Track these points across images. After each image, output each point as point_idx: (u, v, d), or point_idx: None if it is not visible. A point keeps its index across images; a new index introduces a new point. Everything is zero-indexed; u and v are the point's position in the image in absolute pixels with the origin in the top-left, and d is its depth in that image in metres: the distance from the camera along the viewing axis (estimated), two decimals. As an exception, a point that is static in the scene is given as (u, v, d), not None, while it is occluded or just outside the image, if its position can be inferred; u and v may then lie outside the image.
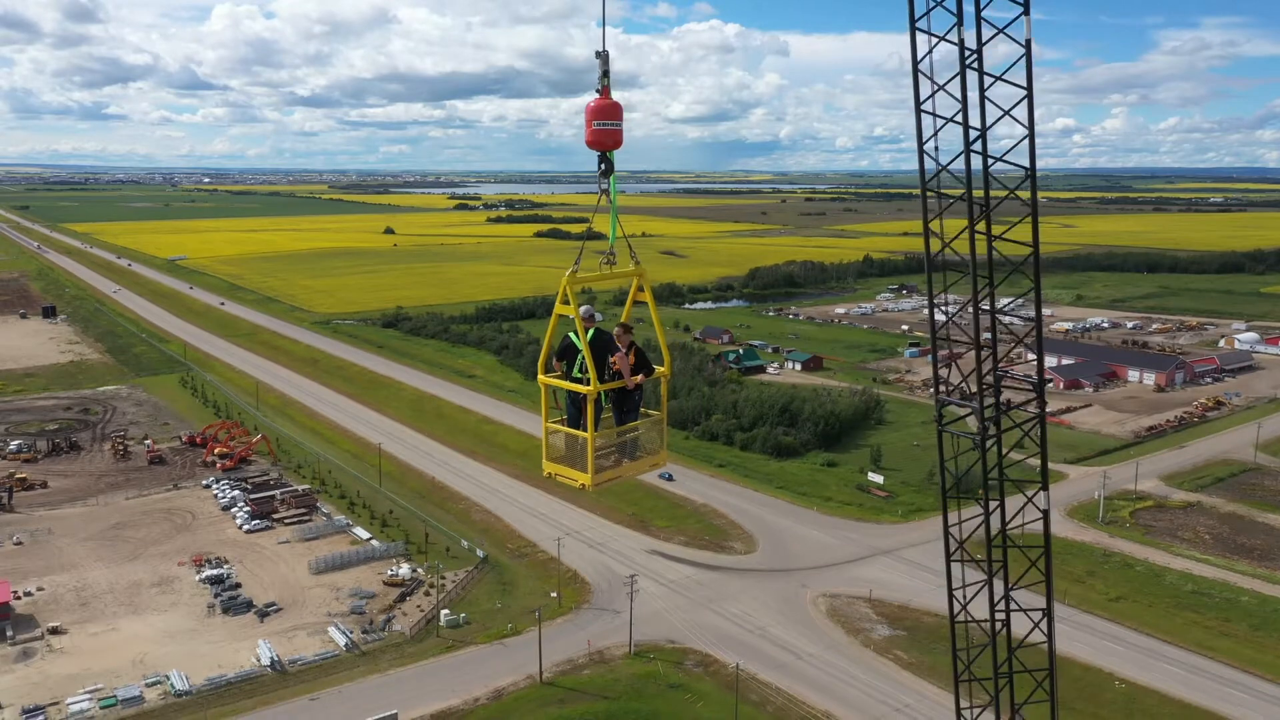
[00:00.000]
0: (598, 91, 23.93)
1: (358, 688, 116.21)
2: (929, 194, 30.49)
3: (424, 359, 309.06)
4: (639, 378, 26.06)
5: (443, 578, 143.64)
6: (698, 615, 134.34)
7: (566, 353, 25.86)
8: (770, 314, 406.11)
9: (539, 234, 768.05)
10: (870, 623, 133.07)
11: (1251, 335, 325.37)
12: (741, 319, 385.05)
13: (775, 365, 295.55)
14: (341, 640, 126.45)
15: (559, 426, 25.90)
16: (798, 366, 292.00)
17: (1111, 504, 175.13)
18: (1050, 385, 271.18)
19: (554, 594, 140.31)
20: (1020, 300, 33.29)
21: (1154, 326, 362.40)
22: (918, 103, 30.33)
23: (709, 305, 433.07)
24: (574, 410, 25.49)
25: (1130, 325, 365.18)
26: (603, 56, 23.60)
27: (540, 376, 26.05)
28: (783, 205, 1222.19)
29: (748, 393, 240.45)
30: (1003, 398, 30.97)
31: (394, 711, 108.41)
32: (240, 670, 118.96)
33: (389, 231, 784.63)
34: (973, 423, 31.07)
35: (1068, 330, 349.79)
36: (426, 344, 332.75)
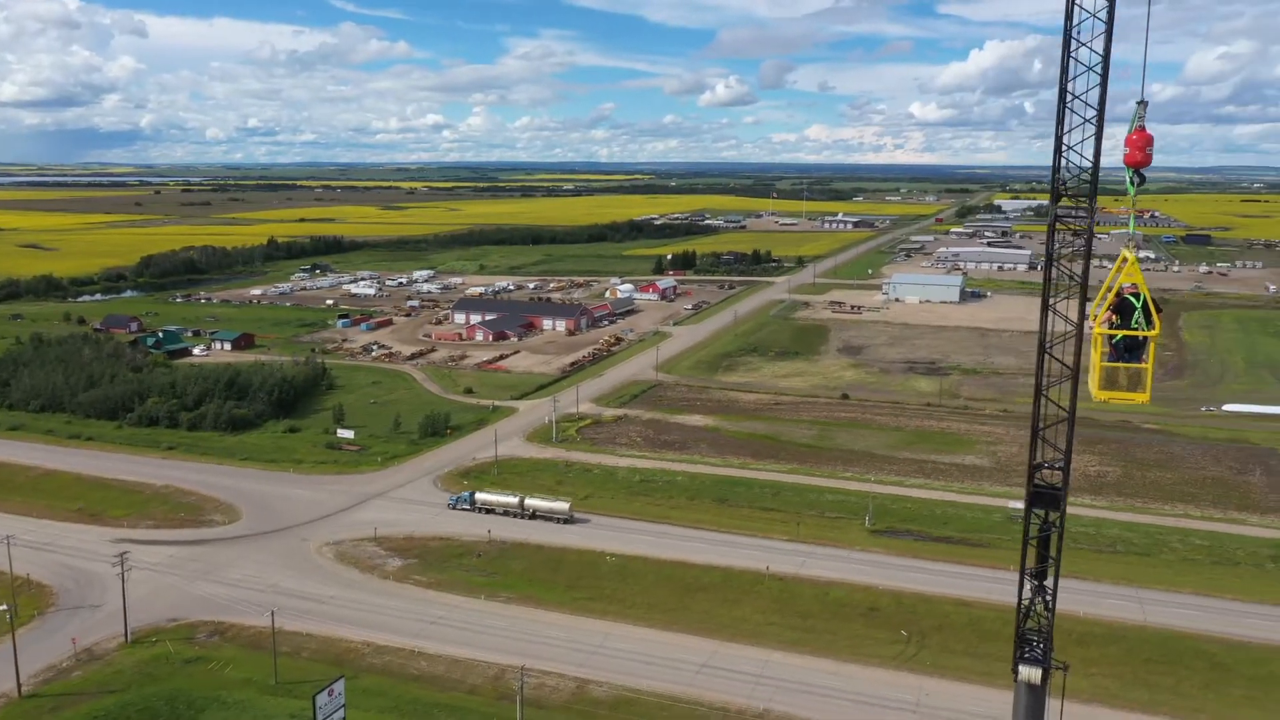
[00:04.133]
0: (1142, 127, 29.35)
1: None
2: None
3: None
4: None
5: None
6: (197, 588, 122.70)
7: (1123, 309, 30.60)
8: (178, 300, 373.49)
9: None
10: (381, 558, 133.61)
11: (629, 286, 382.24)
12: (147, 307, 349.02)
13: (202, 347, 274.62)
14: None
15: (1121, 364, 30.63)
16: (228, 346, 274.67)
17: (560, 426, 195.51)
18: (481, 339, 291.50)
19: (2, 606, 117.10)
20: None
21: (551, 285, 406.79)
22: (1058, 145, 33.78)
23: (101, 297, 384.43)
24: (1121, 352, 30.48)
25: (532, 286, 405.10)
26: (1142, 105, 29.15)
27: (1097, 329, 30.96)
28: (158, 196, 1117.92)
29: (184, 373, 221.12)
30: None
31: None
32: None
33: None
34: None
35: (482, 293, 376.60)
36: None
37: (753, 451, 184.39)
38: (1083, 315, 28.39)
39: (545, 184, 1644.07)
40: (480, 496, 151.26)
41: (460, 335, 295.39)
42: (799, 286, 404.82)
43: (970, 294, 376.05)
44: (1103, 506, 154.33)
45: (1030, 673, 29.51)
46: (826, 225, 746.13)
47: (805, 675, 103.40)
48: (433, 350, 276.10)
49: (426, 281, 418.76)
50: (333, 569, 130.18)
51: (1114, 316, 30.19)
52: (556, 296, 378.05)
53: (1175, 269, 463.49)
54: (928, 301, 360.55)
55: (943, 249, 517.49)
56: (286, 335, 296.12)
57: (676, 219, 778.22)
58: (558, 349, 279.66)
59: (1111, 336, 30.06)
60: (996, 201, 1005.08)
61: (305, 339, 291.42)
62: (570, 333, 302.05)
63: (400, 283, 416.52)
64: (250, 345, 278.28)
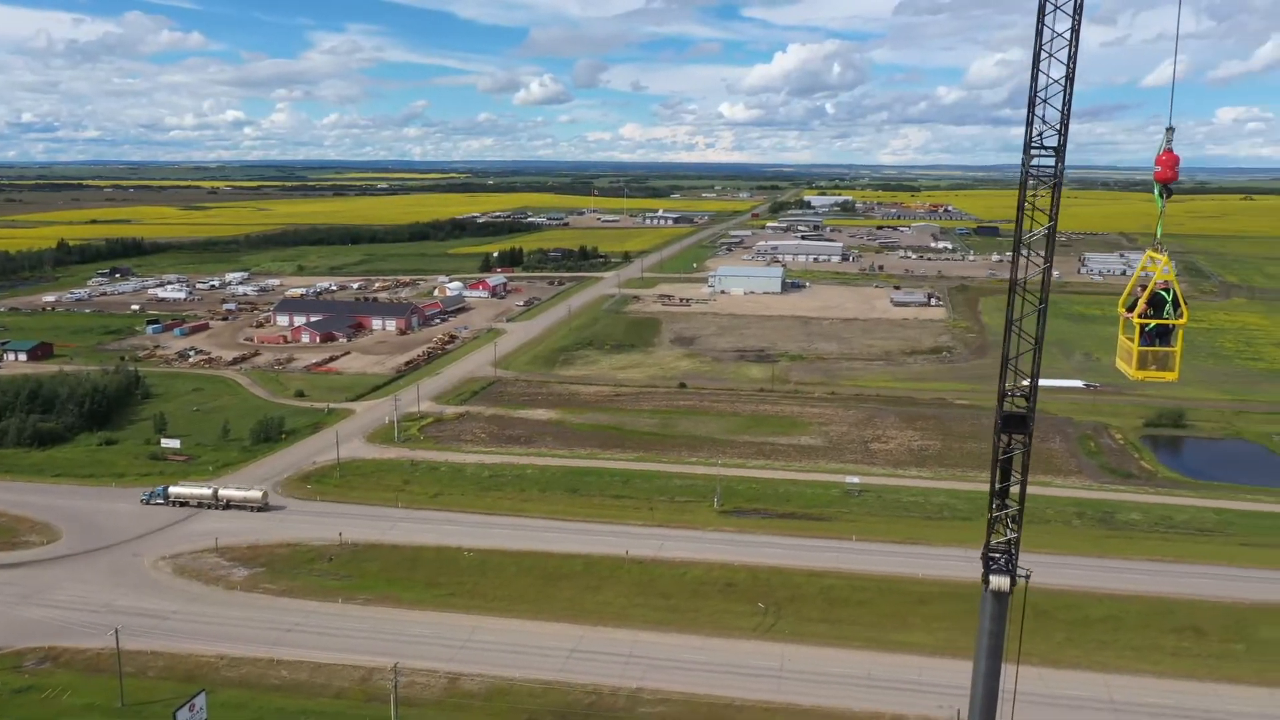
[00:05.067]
0: (1170, 149, 34.15)
1: None
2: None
3: None
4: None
5: None
6: (20, 613, 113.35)
7: (1155, 302, 35.42)
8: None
9: None
10: (225, 568, 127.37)
11: (458, 284, 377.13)
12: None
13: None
14: None
15: (1153, 348, 35.44)
16: (23, 356, 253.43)
17: (402, 425, 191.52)
18: (307, 341, 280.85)
19: None
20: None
21: (377, 285, 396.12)
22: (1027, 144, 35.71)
23: None
24: (1152, 338, 35.33)
25: (356, 286, 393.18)
26: (1170, 130, 34.00)
27: (1134, 318, 35.40)
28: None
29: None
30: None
31: None
32: None
33: None
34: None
35: (303, 294, 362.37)
36: None
37: (599, 442, 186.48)
38: (1051, 252, 31.36)
39: (358, 183, 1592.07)
40: (174, 490, 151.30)
41: (285, 338, 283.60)
42: (628, 281, 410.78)
43: (791, 285, 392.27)
44: (928, 478, 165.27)
45: (1000, 581, 32.62)
46: (648, 221, 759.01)
47: (673, 652, 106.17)
48: (256, 354, 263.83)
49: (241, 284, 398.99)
50: (172, 583, 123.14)
51: (1149, 309, 34.93)
52: (383, 296, 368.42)
53: (970, 258, 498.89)
54: (752, 293, 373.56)
55: (761, 243, 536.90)
56: (90, 343, 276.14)
57: (499, 217, 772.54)
58: (390, 349, 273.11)
59: (1145, 325, 35.07)
60: (806, 198, 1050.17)
61: (112, 347, 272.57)
62: (402, 332, 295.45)
63: (212, 285, 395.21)
64: (49, 355, 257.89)
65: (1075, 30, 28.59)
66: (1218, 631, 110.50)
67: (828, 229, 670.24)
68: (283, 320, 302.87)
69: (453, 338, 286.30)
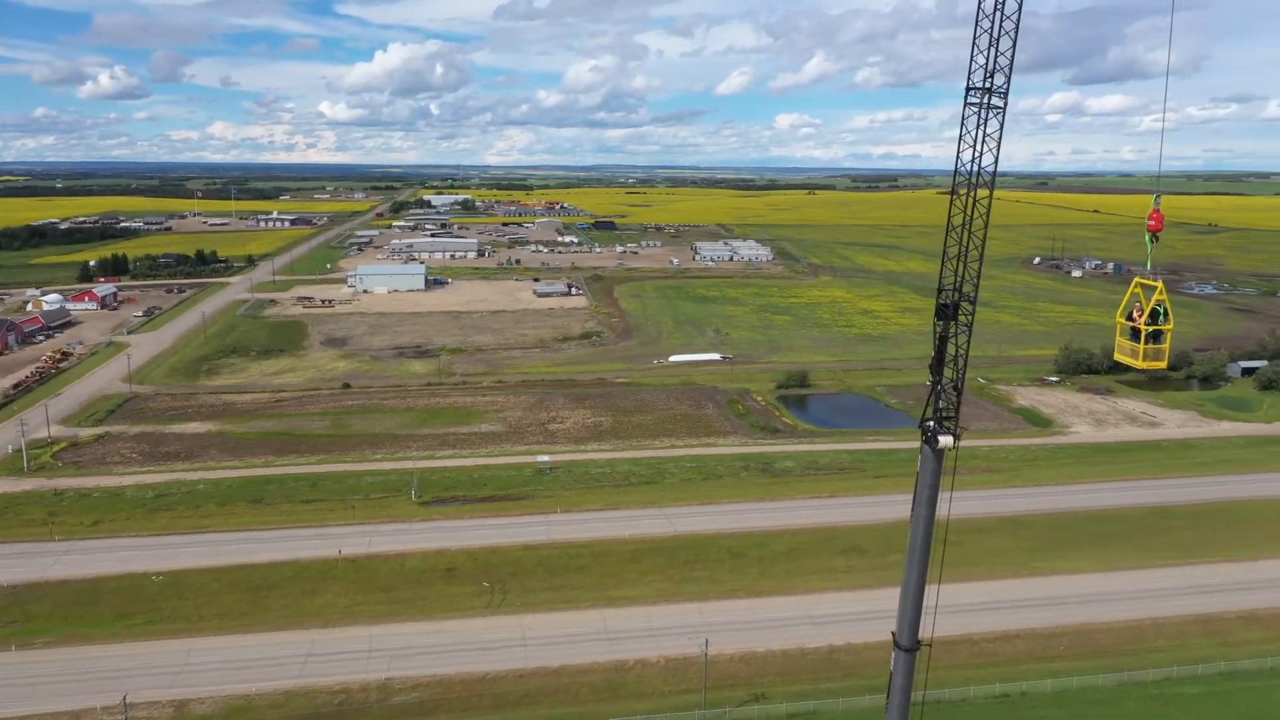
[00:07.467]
0: (1157, 209, 47.10)
1: None
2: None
3: None
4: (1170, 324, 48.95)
5: None
6: None
7: (1154, 314, 47.41)
8: None
9: None
10: None
11: (57, 296, 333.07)
12: None
13: None
14: None
15: (1151, 345, 47.64)
16: None
17: (30, 454, 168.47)
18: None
19: None
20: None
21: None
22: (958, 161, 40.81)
23: None
24: (1149, 338, 47.57)
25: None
26: (1158, 196, 48.34)
27: (1140, 325, 47.83)
28: None
29: None
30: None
31: None
32: None
33: None
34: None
35: None
36: None
37: (272, 449, 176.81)
38: (994, 175, 37.69)
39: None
40: None
41: None
42: (260, 284, 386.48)
43: (434, 281, 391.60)
44: (609, 450, 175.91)
45: (946, 440, 39.15)
46: (263, 224, 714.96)
47: (411, 640, 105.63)
48: None
49: None
50: None
51: (1149, 319, 47.97)
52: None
53: (597, 250, 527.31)
54: (396, 291, 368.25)
55: (395, 241, 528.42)
56: None
57: (84, 222, 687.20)
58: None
59: (1146, 330, 47.89)
60: (426, 197, 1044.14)
61: None
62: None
63: None
64: None
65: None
66: (875, 549, 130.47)
67: (455, 227, 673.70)
68: None
69: (65, 355, 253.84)
